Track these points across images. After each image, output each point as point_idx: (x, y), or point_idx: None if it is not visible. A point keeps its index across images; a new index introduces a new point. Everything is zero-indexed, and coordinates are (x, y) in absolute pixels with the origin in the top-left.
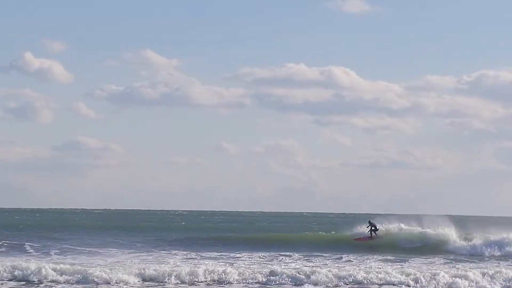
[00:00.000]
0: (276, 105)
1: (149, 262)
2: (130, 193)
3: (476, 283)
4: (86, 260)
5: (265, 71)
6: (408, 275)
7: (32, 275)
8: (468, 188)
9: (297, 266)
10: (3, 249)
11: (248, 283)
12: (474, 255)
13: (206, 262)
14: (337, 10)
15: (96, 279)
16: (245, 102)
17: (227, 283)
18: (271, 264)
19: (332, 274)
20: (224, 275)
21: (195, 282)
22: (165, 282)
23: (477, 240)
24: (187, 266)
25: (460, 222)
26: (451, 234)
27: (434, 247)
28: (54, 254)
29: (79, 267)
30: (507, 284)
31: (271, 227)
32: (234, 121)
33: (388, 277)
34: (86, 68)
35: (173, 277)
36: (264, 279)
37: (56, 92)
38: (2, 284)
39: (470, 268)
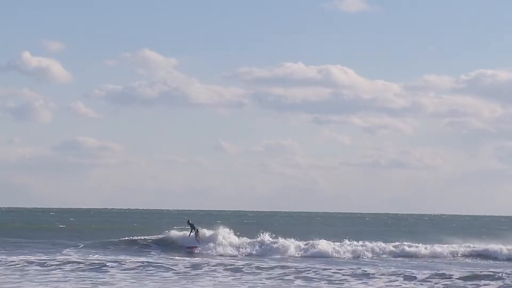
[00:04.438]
0: (275, 104)
1: None
2: (129, 192)
3: None
4: None
5: (263, 71)
6: None
7: None
8: (467, 187)
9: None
10: None
11: None
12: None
13: None
14: (335, 9)
15: None
16: (244, 101)
17: None
18: None
19: None
20: None
21: None
22: None
23: None
24: None
25: None
26: None
27: None
28: None
29: None
30: None
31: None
32: (233, 121)
33: None
34: (85, 68)
35: None
36: None
37: (55, 92)
38: None
39: None
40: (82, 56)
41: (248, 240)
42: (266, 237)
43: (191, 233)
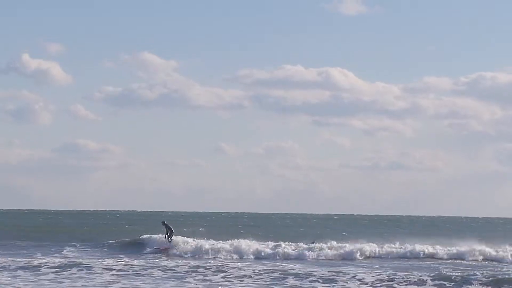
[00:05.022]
0: (275, 106)
1: None
2: (129, 194)
3: None
4: None
5: (263, 73)
6: None
7: None
8: (467, 190)
9: None
10: None
11: None
12: None
13: None
14: (334, 11)
15: None
16: (244, 103)
17: None
18: None
19: None
20: None
21: None
22: None
23: None
24: None
25: None
26: None
27: None
28: None
29: None
30: None
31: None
32: (233, 123)
33: None
34: (84, 70)
35: None
36: None
37: (54, 94)
38: None
39: None
40: (81, 59)
41: (242, 242)
42: (258, 238)
43: (166, 234)
